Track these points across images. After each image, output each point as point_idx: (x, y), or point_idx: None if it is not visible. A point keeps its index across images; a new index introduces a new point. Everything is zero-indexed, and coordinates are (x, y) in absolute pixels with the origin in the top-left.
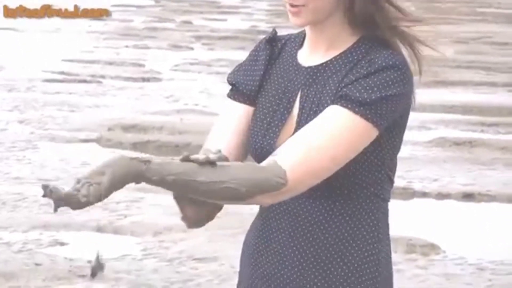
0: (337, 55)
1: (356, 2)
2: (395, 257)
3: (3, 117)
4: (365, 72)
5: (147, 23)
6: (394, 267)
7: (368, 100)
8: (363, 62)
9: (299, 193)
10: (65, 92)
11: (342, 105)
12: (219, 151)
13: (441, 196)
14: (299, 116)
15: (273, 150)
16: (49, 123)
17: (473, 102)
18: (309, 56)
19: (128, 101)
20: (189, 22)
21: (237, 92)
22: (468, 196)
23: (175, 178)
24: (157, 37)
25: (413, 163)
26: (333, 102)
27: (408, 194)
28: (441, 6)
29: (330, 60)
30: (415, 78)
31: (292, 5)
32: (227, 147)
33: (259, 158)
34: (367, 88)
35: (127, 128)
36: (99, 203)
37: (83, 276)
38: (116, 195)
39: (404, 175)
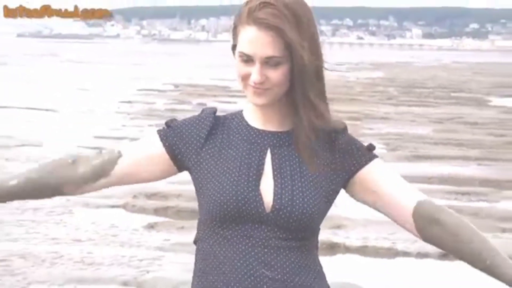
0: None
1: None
2: None
3: None
4: (357, 144)
5: (168, 105)
6: None
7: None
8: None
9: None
10: None
11: (376, 159)
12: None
13: (420, 255)
14: (275, 170)
15: (257, 197)
16: None
17: (448, 174)
18: (265, 123)
19: None
20: (204, 104)
21: (170, 138)
22: (444, 255)
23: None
24: (176, 116)
25: (396, 226)
26: (368, 161)
27: (392, 253)
28: (420, 91)
29: (288, 131)
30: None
31: (257, 87)
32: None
33: (240, 206)
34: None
35: (149, 195)
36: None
37: None
38: (139, 253)
39: (388, 236)
